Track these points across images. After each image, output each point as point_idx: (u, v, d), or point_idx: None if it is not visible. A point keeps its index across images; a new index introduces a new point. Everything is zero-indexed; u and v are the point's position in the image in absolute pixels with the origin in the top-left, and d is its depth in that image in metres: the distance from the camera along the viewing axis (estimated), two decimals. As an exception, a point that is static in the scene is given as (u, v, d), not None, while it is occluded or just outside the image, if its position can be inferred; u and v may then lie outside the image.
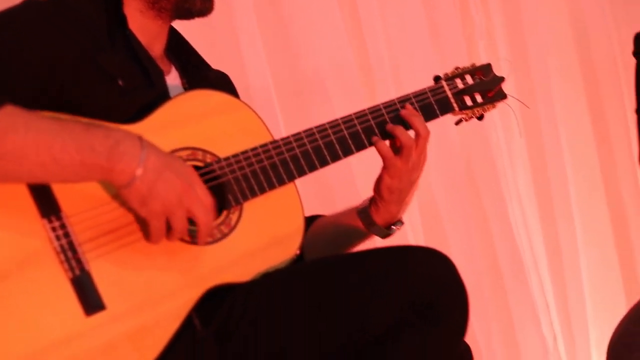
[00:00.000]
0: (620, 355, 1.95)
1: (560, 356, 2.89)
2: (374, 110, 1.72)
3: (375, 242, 1.82)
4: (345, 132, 1.68)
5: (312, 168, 1.66)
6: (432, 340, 1.49)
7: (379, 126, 1.70)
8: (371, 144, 1.70)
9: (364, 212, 1.76)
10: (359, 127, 1.69)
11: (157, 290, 1.49)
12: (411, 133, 1.71)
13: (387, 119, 1.71)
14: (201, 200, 1.48)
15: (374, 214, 1.75)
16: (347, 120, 1.69)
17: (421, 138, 1.70)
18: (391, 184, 1.70)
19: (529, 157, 3.03)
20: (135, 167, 1.43)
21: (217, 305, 1.52)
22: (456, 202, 2.88)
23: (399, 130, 1.69)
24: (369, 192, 1.79)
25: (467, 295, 1.52)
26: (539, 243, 2.98)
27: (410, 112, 1.72)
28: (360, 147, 1.70)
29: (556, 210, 2.98)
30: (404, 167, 1.69)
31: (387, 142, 1.70)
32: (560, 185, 2.99)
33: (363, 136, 1.69)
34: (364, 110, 1.71)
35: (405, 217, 1.84)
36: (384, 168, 1.71)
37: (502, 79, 1.86)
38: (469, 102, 1.82)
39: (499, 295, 2.93)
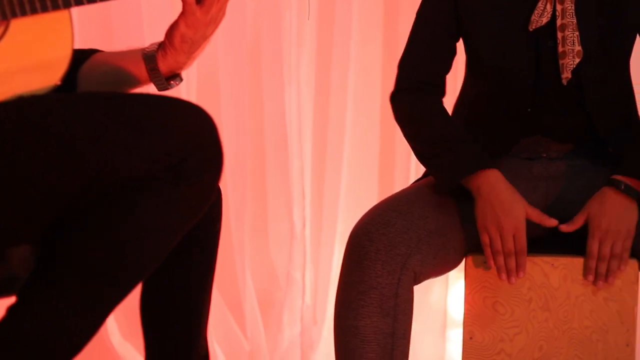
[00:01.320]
0: (360, 242, 2.00)
1: (305, 243, 2.96)
2: None
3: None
4: None
5: None
6: (179, 197, 1.48)
7: None
8: None
9: (151, 55, 1.72)
10: None
11: None
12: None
13: None
14: None
15: (160, 59, 1.72)
16: None
17: None
18: (185, 32, 1.68)
19: (317, 45, 3.03)
20: None
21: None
22: (236, 72, 2.87)
23: None
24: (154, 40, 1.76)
25: (222, 159, 1.52)
26: (307, 132, 3.01)
27: None
28: None
29: (331, 101, 3.01)
30: (202, 19, 1.67)
31: None
32: (341, 76, 3.01)
33: None
34: None
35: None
36: (182, 15, 1.68)
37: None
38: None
39: (259, 174, 2.96)
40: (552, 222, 2.01)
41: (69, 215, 1.47)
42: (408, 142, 2.18)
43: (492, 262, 1.99)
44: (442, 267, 2.09)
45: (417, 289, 3.00)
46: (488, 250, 1.99)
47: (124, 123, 1.47)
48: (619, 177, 2.01)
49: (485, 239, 1.99)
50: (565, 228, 2.04)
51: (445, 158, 2.07)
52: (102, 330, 2.55)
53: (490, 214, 1.99)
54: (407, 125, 2.17)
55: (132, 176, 1.45)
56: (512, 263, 1.98)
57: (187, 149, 1.47)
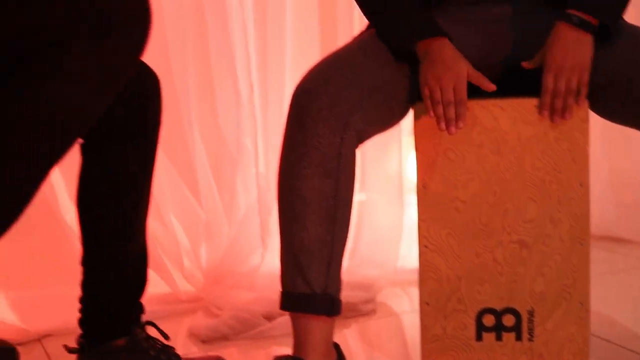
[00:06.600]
0: (301, 101, 1.95)
1: (255, 109, 2.90)
2: None
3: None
4: None
5: None
6: (104, 55, 1.42)
7: None
8: None
9: None
10: None
11: None
12: None
13: None
14: None
15: None
16: None
17: None
18: None
19: None
20: None
21: None
22: None
23: None
24: None
25: (150, 15, 1.45)
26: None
27: None
28: None
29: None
30: None
31: None
32: None
33: None
34: None
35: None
36: None
37: None
38: None
39: (201, 42, 2.88)
40: (491, 87, 1.97)
41: None
42: None
43: (432, 113, 1.95)
44: (385, 123, 2.05)
45: (372, 156, 3.01)
46: (428, 102, 1.96)
47: None
48: (571, 12, 1.97)
49: (425, 92, 1.96)
50: (526, 65, 2.01)
51: (396, 21, 2.02)
52: (49, 196, 2.51)
53: (431, 70, 1.95)
54: None
55: (55, 34, 1.38)
56: (451, 112, 1.93)
57: (112, 5, 1.40)
